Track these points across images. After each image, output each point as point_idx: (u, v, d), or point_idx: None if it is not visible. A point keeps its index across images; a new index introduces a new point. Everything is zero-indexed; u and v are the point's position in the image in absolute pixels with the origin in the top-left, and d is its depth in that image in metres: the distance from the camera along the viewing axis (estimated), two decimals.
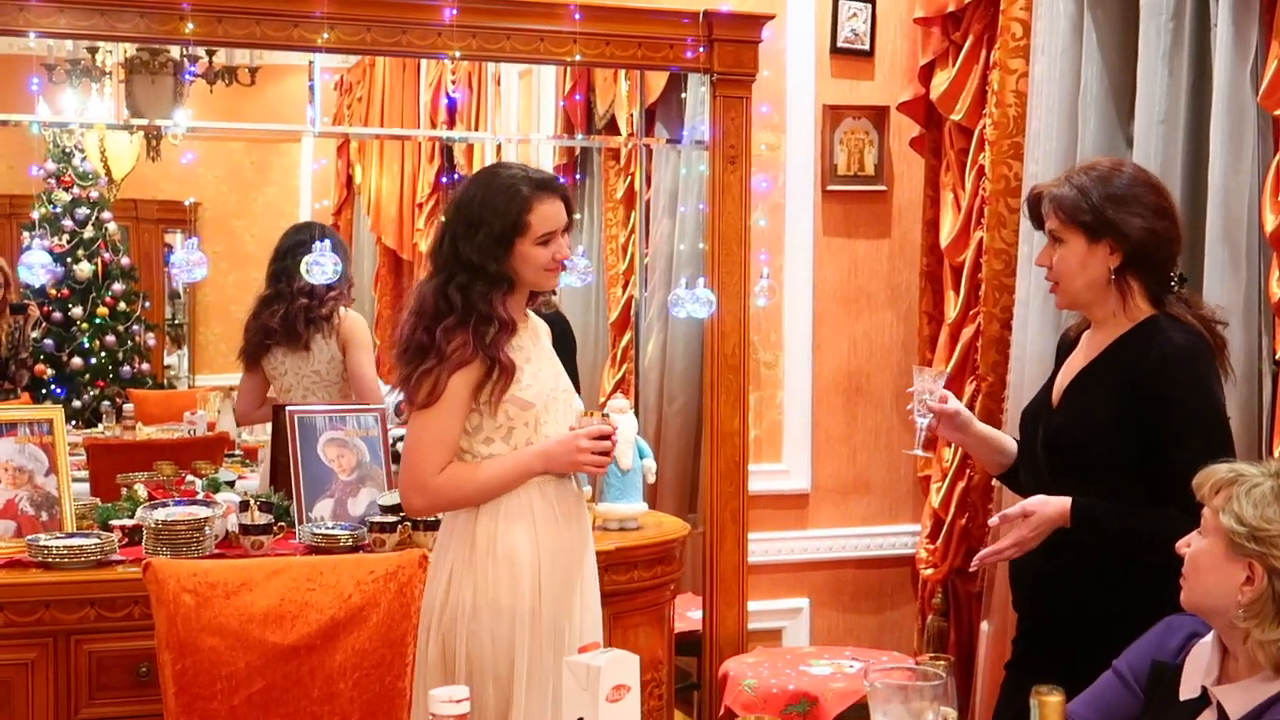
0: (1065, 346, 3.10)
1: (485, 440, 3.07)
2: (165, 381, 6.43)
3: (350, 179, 6.75)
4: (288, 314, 4.43)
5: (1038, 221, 2.96)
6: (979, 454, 3.24)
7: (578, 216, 5.57)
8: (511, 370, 3.05)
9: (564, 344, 4.06)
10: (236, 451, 5.00)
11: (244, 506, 3.72)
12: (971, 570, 3.17)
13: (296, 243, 4.45)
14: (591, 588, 3.24)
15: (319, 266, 4.18)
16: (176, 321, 6.74)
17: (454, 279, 3.08)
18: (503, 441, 3.07)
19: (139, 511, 3.74)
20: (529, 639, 3.06)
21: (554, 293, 3.37)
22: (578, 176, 5.59)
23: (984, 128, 4.32)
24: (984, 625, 4.35)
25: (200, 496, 3.97)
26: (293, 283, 4.42)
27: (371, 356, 4.55)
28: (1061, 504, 2.79)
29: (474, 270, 3.07)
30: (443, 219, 3.20)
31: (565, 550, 3.15)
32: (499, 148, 5.31)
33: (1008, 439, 3.18)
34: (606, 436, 3.13)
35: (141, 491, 3.95)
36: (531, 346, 3.18)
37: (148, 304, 6.21)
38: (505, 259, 3.08)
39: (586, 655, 2.03)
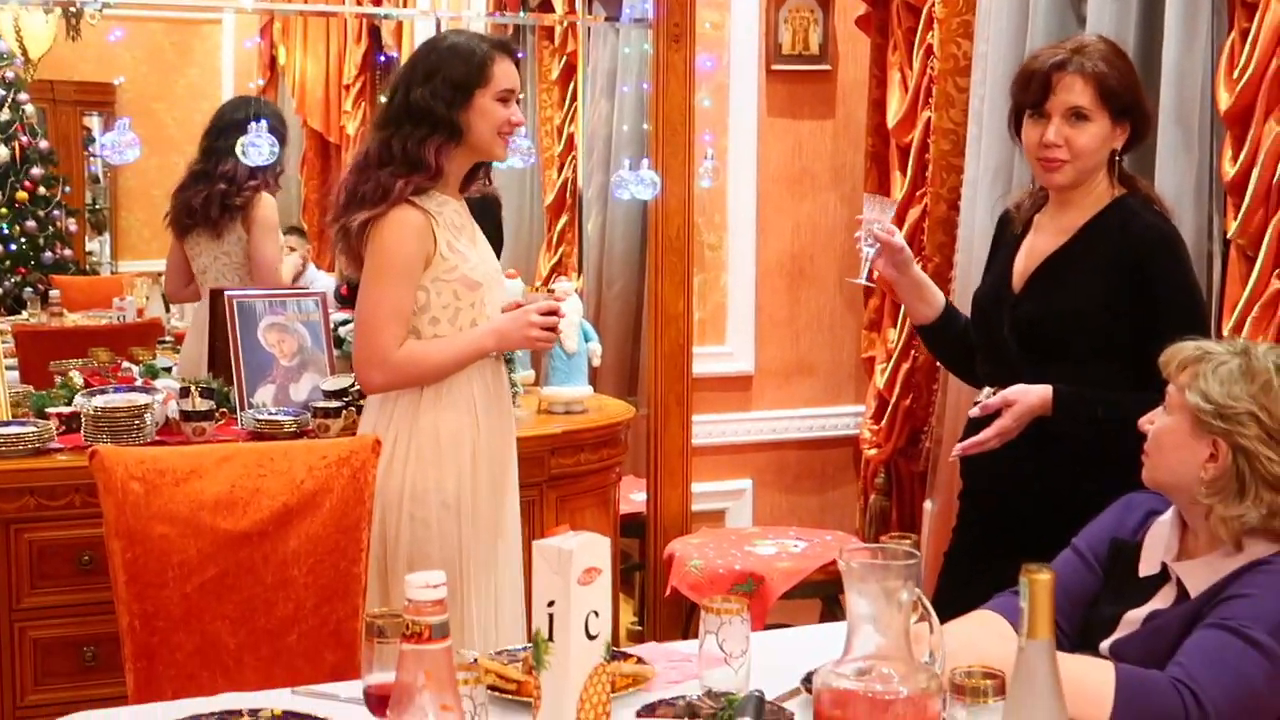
0: (1008, 228, 3.06)
1: (431, 320, 3.03)
2: (88, 268, 6.30)
3: (274, 60, 6.59)
4: (209, 197, 4.35)
5: (1041, 97, 2.83)
6: (909, 299, 3.17)
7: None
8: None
9: (493, 225, 4.03)
10: (168, 338, 4.92)
11: (184, 393, 3.65)
12: (950, 460, 3.16)
13: (232, 122, 4.33)
14: (515, 473, 3.25)
15: (255, 148, 4.08)
16: (97, 207, 6.59)
17: (401, 130, 3.01)
18: (448, 323, 3.04)
19: (77, 399, 3.66)
20: (473, 526, 3.07)
21: (488, 178, 3.28)
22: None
23: (932, 5, 4.25)
24: (927, 504, 4.39)
25: (139, 383, 3.89)
26: (219, 164, 4.33)
27: (274, 240, 4.46)
28: (1042, 392, 2.78)
29: (422, 117, 3.00)
30: (393, 82, 3.13)
31: (500, 436, 3.16)
32: (438, 23, 5.18)
33: (939, 293, 3.16)
34: (554, 311, 3.13)
35: (77, 379, 3.87)
36: (471, 226, 3.13)
37: (68, 188, 6.05)
38: (461, 108, 3.01)
39: (556, 538, 2.00)
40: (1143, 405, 2.31)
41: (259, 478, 2.71)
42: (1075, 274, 2.83)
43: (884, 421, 4.57)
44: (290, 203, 5.80)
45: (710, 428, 4.75)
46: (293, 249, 5.16)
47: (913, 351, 4.43)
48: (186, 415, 3.59)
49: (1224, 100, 3.13)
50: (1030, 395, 2.79)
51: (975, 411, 2.90)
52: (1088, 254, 2.82)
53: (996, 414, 2.83)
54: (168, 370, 4.16)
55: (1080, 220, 2.85)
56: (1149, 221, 2.80)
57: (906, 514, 4.63)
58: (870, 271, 3.09)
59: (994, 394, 2.85)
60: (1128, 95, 2.80)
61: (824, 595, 4.20)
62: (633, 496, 4.63)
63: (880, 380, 4.58)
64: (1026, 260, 2.92)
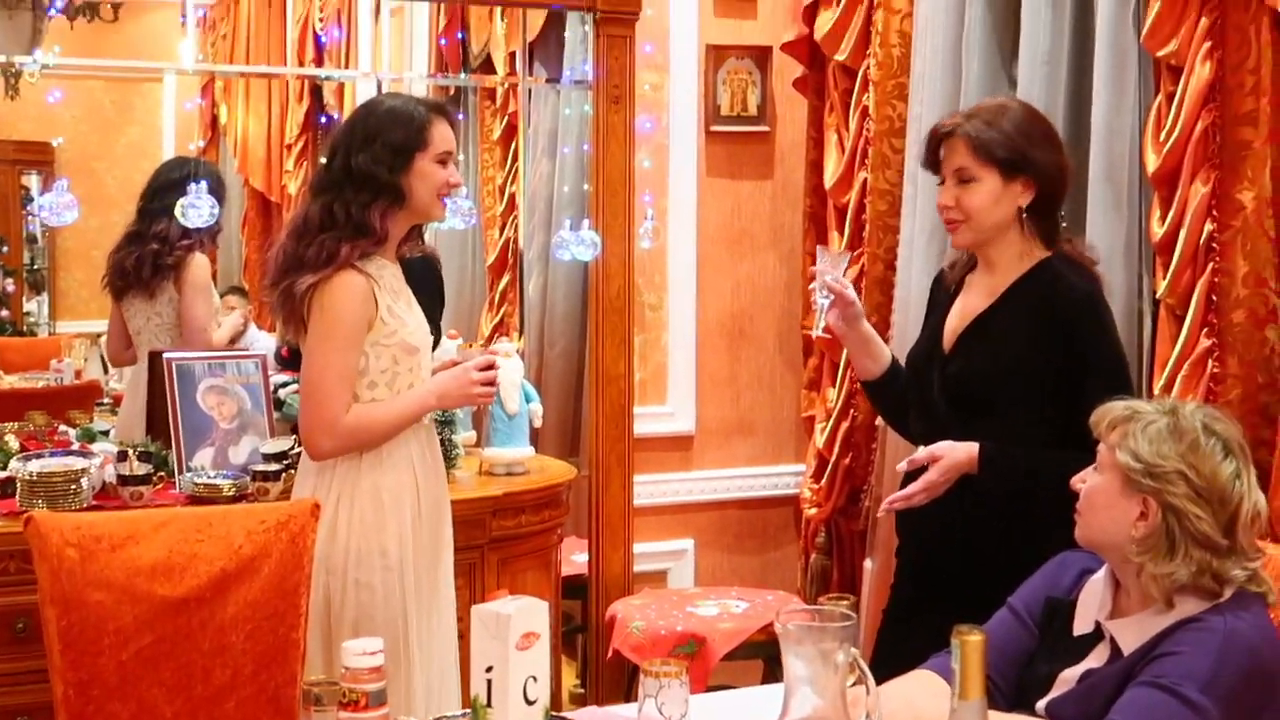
0: (941, 288, 3.11)
1: (370, 385, 3.03)
2: (25, 328, 6.24)
3: (215, 119, 6.57)
4: (140, 257, 4.31)
5: (934, 162, 2.95)
6: (856, 354, 3.19)
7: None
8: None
9: (434, 285, 4.03)
10: (106, 400, 4.87)
11: (122, 456, 3.62)
12: (879, 516, 3.18)
13: (168, 183, 4.30)
14: (450, 533, 3.25)
15: (195, 209, 4.03)
16: (35, 267, 6.54)
17: (342, 195, 3.01)
18: (386, 387, 3.04)
19: (12, 463, 3.62)
20: (415, 588, 3.07)
21: (421, 238, 3.30)
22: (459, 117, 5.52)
23: (868, 68, 4.32)
24: (867, 563, 4.40)
25: (75, 447, 3.85)
26: (153, 225, 4.29)
27: (205, 301, 4.39)
28: (969, 449, 2.81)
29: (364, 182, 3.00)
30: (330, 146, 3.13)
31: (437, 496, 3.16)
32: (380, 85, 5.20)
33: (885, 349, 3.19)
34: (492, 366, 3.15)
35: (13, 442, 3.83)
36: (406, 290, 3.14)
37: (5, 248, 6.01)
38: (402, 171, 3.01)
39: (495, 603, 2.00)
40: (1067, 464, 2.35)
41: (196, 543, 2.69)
42: (1002, 334, 2.88)
43: (824, 480, 4.58)
44: (231, 262, 5.77)
45: (652, 488, 4.75)
46: (233, 308, 5.13)
47: (852, 410, 4.45)
48: (124, 479, 3.55)
49: (1151, 162, 3.19)
50: (956, 451, 2.82)
51: (902, 466, 2.93)
52: (1015, 314, 2.87)
53: (925, 469, 2.86)
54: (105, 434, 4.11)
55: (1007, 281, 2.91)
56: (1073, 283, 2.85)
57: (847, 573, 4.64)
58: (827, 324, 3.09)
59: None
60: (1013, 153, 2.84)
61: (766, 656, 4.19)
62: (575, 558, 4.61)
63: (820, 439, 4.60)
64: (957, 320, 2.97)
